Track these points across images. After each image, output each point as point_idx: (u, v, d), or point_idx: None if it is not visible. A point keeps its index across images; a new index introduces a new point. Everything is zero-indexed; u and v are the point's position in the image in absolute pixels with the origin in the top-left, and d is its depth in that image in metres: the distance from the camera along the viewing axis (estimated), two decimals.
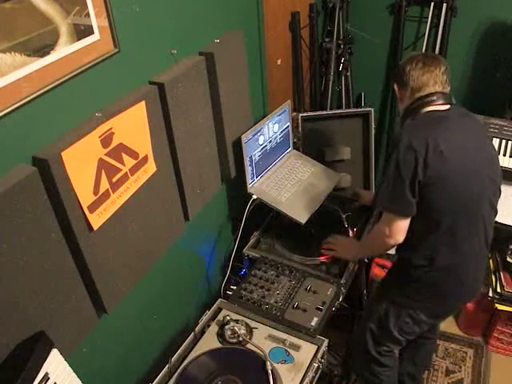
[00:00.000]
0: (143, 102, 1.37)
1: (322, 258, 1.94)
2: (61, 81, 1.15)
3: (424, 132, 1.51)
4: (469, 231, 1.60)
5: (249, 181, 2.07)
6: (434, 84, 1.56)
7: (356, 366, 2.08)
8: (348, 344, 2.30)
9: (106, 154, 1.28)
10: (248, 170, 2.04)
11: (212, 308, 1.76)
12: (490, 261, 2.44)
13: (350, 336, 2.33)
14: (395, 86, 1.66)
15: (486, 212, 1.60)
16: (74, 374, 1.19)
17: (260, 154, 2.10)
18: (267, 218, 2.20)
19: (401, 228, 1.56)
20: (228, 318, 1.64)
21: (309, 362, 1.54)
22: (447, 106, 1.58)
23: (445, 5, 2.68)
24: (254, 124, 2.04)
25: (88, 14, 1.18)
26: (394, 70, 1.64)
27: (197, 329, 1.67)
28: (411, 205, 1.52)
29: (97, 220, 1.28)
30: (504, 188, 2.39)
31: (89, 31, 1.20)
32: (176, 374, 1.51)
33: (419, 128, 1.54)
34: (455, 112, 1.58)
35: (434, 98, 1.55)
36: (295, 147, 2.40)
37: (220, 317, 1.70)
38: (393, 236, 1.58)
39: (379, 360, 1.89)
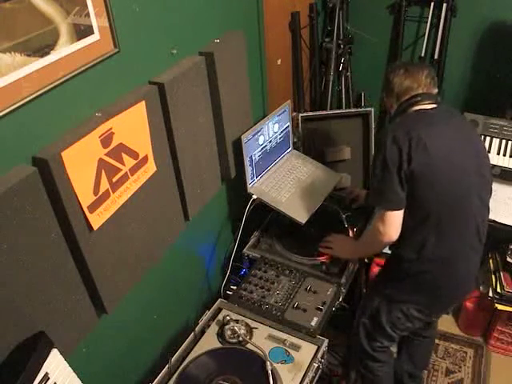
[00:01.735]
0: (143, 102, 1.37)
1: (322, 258, 1.94)
2: (61, 81, 1.15)
3: (407, 127, 1.56)
4: (457, 226, 1.62)
5: (249, 181, 2.06)
6: (418, 87, 1.64)
7: (352, 362, 2.08)
8: (349, 344, 2.30)
9: (105, 154, 1.28)
10: (248, 170, 2.03)
11: (212, 308, 1.76)
12: (490, 261, 2.45)
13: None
14: (384, 96, 1.74)
15: (475, 208, 1.63)
16: (73, 374, 1.19)
17: (260, 154, 2.10)
18: (267, 218, 2.20)
19: (393, 222, 1.58)
20: (228, 318, 1.64)
21: (309, 362, 1.54)
22: (434, 105, 1.64)
23: (445, 5, 2.68)
24: (254, 124, 2.04)
25: (88, 14, 1.18)
26: (383, 79, 1.76)
27: (197, 329, 1.67)
28: (400, 197, 1.56)
29: (97, 220, 1.28)
30: (504, 188, 2.41)
31: (89, 31, 1.20)
32: (176, 374, 1.52)
33: (403, 124, 1.60)
34: (441, 110, 1.65)
35: (419, 98, 1.62)
36: (295, 147, 2.40)
37: (220, 317, 1.70)
38: (386, 233, 1.60)
39: (373, 355, 1.89)
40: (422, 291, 1.70)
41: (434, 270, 1.66)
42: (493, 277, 2.38)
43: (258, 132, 2.05)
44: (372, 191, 1.65)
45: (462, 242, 1.65)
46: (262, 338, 1.62)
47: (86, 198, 1.22)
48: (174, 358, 1.57)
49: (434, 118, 1.62)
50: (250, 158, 2.03)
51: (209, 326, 1.68)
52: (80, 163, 1.19)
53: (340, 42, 2.89)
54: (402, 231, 1.61)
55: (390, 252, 1.80)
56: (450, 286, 1.72)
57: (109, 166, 1.30)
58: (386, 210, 1.58)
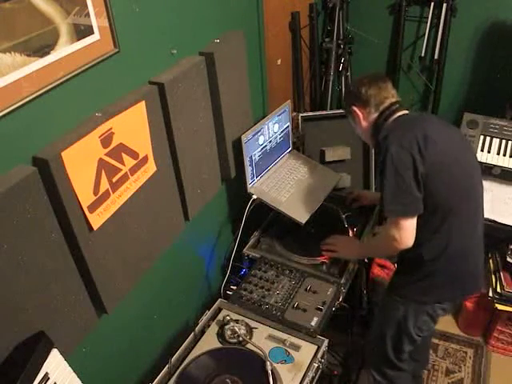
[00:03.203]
0: (143, 102, 1.37)
1: (322, 258, 1.94)
2: (61, 81, 1.15)
3: (408, 131, 1.57)
4: (474, 213, 1.66)
5: (249, 181, 2.06)
6: (392, 96, 1.70)
7: (368, 368, 2.03)
8: (348, 344, 2.30)
9: (105, 154, 1.28)
10: (248, 170, 2.03)
11: (212, 308, 1.76)
12: (490, 261, 2.45)
13: (351, 337, 2.33)
14: (354, 108, 1.73)
15: (481, 195, 1.69)
16: (74, 374, 1.19)
17: (260, 154, 2.10)
18: (267, 218, 2.20)
19: (411, 230, 1.57)
20: (228, 318, 1.64)
21: (309, 362, 1.54)
22: (407, 112, 1.70)
23: (445, 5, 2.68)
24: (254, 124, 2.04)
25: (88, 14, 1.18)
26: (348, 94, 1.79)
27: (197, 329, 1.67)
28: (419, 201, 1.54)
29: (97, 220, 1.28)
30: (504, 188, 2.41)
31: (89, 31, 1.20)
32: (176, 374, 1.52)
33: (402, 130, 1.60)
34: (417, 114, 1.67)
35: (398, 105, 1.68)
36: (295, 147, 2.40)
37: (220, 317, 1.70)
38: (403, 241, 1.58)
39: (398, 365, 1.88)
40: (446, 288, 1.71)
41: (456, 265, 1.67)
42: (493, 277, 2.38)
43: (258, 132, 2.05)
44: (388, 202, 1.57)
45: (478, 230, 1.69)
46: (262, 338, 1.62)
47: (86, 197, 1.22)
48: (174, 358, 1.57)
49: (423, 117, 1.66)
50: (250, 158, 2.03)
51: (209, 325, 1.68)
52: (80, 163, 1.19)
53: (340, 42, 2.89)
54: (419, 234, 1.59)
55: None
56: (472, 276, 1.75)
57: (109, 165, 1.30)
58: (404, 217, 1.56)
